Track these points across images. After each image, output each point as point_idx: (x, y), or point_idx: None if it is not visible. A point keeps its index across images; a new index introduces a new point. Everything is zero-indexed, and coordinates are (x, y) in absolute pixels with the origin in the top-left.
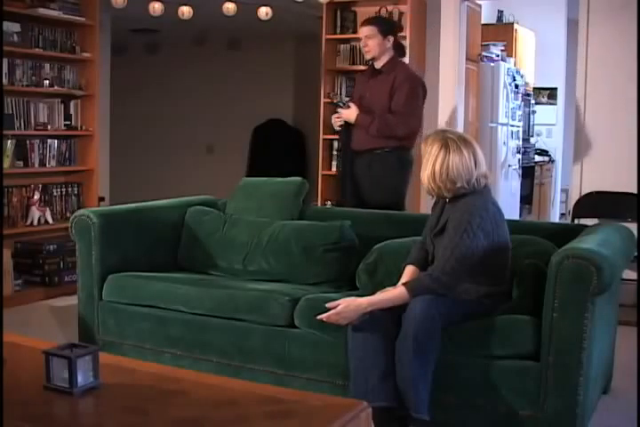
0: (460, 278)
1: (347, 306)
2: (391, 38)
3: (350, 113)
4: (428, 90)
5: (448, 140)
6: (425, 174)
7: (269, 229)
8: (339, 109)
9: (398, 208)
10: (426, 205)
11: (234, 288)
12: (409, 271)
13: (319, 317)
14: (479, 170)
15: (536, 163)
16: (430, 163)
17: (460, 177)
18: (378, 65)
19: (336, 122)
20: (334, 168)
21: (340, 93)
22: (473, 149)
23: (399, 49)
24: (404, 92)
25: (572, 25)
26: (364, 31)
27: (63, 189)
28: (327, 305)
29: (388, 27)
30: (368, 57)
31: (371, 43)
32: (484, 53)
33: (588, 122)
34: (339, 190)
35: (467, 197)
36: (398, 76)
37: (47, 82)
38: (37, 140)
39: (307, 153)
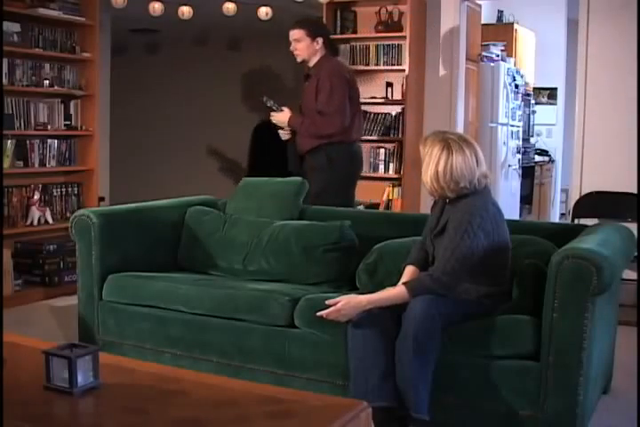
0: (460, 279)
1: (347, 303)
2: (320, 40)
3: (283, 116)
4: (428, 90)
5: (449, 141)
6: (427, 175)
7: (269, 229)
8: (272, 113)
9: (349, 204)
10: (426, 205)
11: (234, 288)
12: (409, 271)
13: (319, 313)
14: (480, 170)
15: (536, 163)
16: (433, 164)
17: (464, 177)
18: (307, 69)
19: (284, 135)
20: None
21: (272, 98)
22: (474, 149)
23: (332, 48)
24: (326, 91)
25: (572, 25)
26: (291, 35)
27: (63, 189)
28: (327, 302)
29: (315, 28)
30: (298, 60)
31: (299, 46)
32: (484, 53)
33: (588, 122)
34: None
35: (467, 197)
36: (321, 77)
37: (47, 82)
38: (37, 140)
39: None
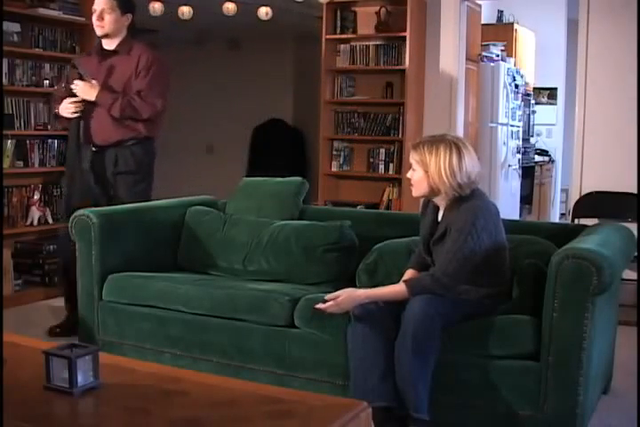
0: (460, 280)
1: (347, 296)
2: (130, 16)
3: (91, 88)
4: (427, 90)
5: (452, 141)
6: (442, 174)
7: (269, 229)
8: (77, 82)
9: None
10: None
11: (234, 288)
12: (409, 273)
13: (317, 306)
14: (478, 167)
15: (536, 163)
16: (445, 162)
17: (473, 172)
18: (110, 45)
19: (69, 108)
20: (334, 168)
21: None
22: (471, 147)
23: (132, 31)
24: (153, 73)
25: (572, 25)
26: (98, 2)
27: (63, 189)
28: (326, 297)
29: (128, 3)
30: (100, 33)
31: (108, 18)
32: (484, 53)
33: (588, 122)
34: (61, 202)
35: (467, 200)
36: (143, 57)
37: (47, 82)
38: (37, 141)
39: (307, 153)
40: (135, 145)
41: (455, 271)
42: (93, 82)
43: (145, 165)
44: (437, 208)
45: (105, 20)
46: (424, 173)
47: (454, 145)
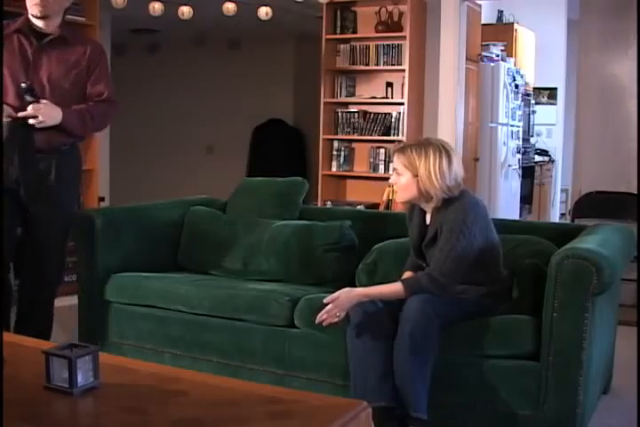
0: (457, 279)
1: (345, 297)
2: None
3: (52, 110)
4: (428, 90)
5: (439, 144)
6: (432, 177)
7: (269, 229)
8: (34, 106)
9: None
10: None
11: (234, 288)
12: (406, 275)
13: (318, 321)
14: (463, 170)
15: (536, 163)
16: (435, 164)
17: (461, 174)
18: (46, 28)
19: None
20: (334, 168)
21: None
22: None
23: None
24: (103, 68)
25: (572, 25)
26: None
27: None
28: (325, 301)
29: None
30: (38, 13)
31: None
32: (484, 53)
33: (588, 122)
34: None
35: (455, 201)
36: (91, 48)
37: None
38: None
39: (307, 153)
40: (73, 149)
41: (451, 270)
42: (46, 101)
43: (77, 175)
44: (424, 212)
45: (49, 1)
46: (412, 177)
47: (442, 148)
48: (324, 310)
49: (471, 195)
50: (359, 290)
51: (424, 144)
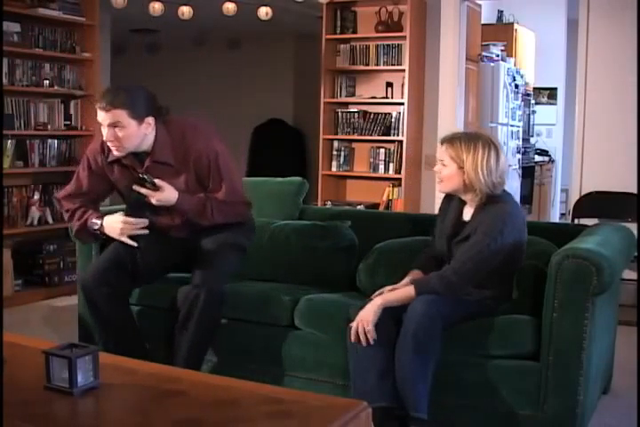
0: (470, 281)
1: (367, 311)
2: (152, 119)
3: (170, 192)
4: (428, 90)
5: (490, 139)
6: (479, 172)
7: (269, 229)
8: (150, 193)
9: None
10: (426, 205)
11: (234, 288)
12: (414, 275)
13: (354, 341)
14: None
15: (536, 163)
16: (483, 160)
17: (505, 171)
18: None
19: (125, 229)
20: (334, 168)
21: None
22: None
23: (159, 111)
24: (221, 173)
25: (572, 25)
26: (105, 117)
27: None
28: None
29: (147, 102)
30: (120, 154)
31: (124, 133)
32: (484, 53)
33: (588, 122)
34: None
35: (497, 203)
36: (195, 156)
37: (47, 82)
38: (37, 140)
39: (307, 153)
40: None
41: (467, 272)
42: (157, 181)
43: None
44: (462, 205)
45: (123, 138)
46: (457, 169)
47: (492, 144)
48: (352, 329)
49: (514, 200)
50: (377, 299)
51: (473, 138)
